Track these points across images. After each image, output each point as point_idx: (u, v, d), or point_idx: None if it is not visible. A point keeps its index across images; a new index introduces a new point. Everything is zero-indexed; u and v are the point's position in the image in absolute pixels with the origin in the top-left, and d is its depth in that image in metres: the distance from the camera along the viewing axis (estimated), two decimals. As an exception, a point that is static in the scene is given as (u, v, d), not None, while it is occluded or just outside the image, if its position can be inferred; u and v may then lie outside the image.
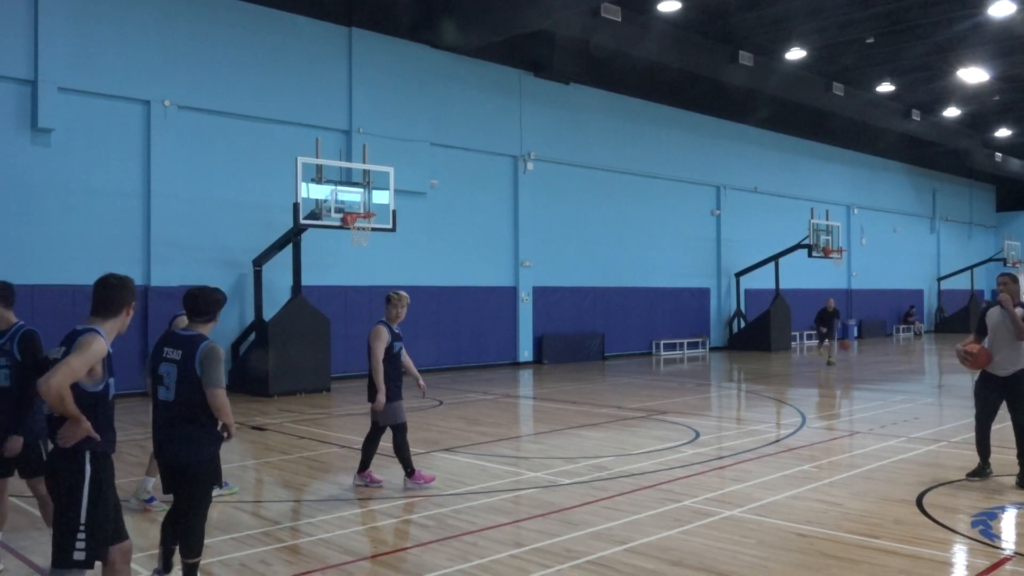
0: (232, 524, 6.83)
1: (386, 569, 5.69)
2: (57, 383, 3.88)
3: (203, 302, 5.10)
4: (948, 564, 5.83)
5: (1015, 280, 8.23)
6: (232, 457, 10.25)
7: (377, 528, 6.68)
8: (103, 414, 4.18)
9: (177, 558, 5.19)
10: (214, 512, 7.24)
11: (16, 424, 5.57)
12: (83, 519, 4.05)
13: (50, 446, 4.24)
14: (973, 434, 8.54)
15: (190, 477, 4.96)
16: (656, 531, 6.51)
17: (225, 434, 5.08)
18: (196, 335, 5.02)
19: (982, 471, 8.24)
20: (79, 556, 4.03)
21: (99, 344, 4.09)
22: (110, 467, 4.23)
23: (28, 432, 5.59)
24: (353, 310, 18.80)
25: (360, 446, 8.49)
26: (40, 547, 6.24)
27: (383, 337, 7.86)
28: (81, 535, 4.04)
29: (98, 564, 4.23)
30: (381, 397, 7.80)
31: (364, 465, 8.22)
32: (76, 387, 4.00)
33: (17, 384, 5.57)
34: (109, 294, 4.29)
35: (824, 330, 22.00)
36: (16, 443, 5.55)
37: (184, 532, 5.06)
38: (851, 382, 18.02)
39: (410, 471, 8.07)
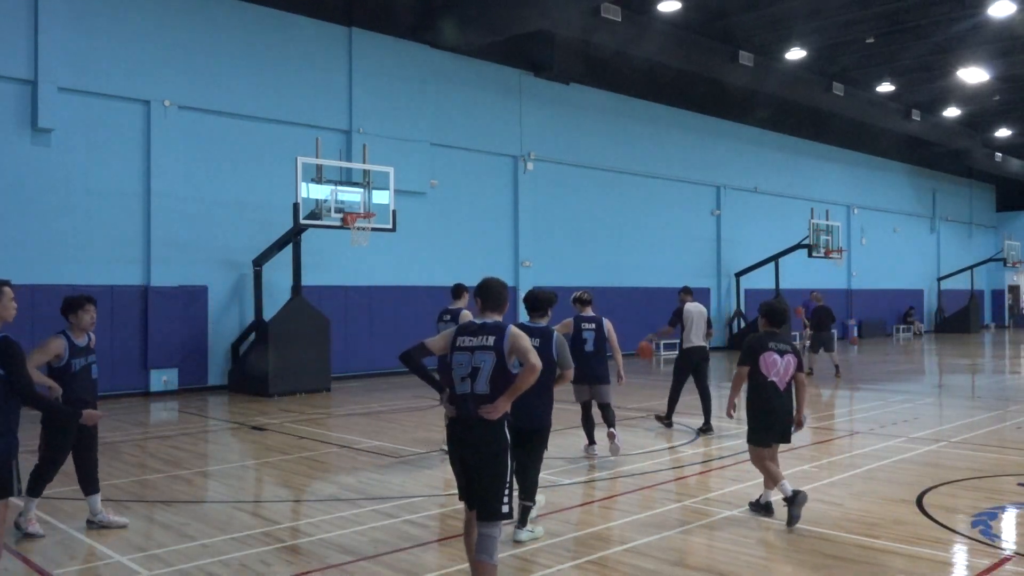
0: (232, 524, 6.82)
1: (386, 569, 5.69)
2: (538, 364, 4.79)
3: (540, 301, 6.71)
4: (948, 564, 5.84)
5: (688, 292, 12.19)
6: (232, 457, 10.26)
7: (377, 528, 6.68)
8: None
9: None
10: (213, 512, 7.25)
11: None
12: (508, 478, 4.79)
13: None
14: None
15: (534, 439, 6.26)
16: (656, 531, 6.51)
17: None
18: (547, 327, 6.45)
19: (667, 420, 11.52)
20: (506, 509, 4.76)
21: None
22: None
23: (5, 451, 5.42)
24: (353, 310, 18.80)
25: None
26: (40, 546, 6.25)
27: None
28: (507, 492, 4.75)
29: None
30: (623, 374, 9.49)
31: (592, 439, 9.60)
32: (507, 369, 4.79)
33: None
34: (501, 293, 5.09)
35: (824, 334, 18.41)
36: (93, 415, 6.03)
37: (525, 480, 6.29)
38: (851, 382, 18.01)
39: (604, 435, 9.35)
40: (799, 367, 6.99)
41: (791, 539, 6.29)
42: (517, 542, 6.19)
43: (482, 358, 4.81)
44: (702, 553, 5.98)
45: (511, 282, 22.14)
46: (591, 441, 9.54)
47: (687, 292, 12.22)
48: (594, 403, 9.39)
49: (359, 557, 5.94)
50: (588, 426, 9.54)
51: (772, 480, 6.75)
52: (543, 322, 6.62)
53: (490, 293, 5.06)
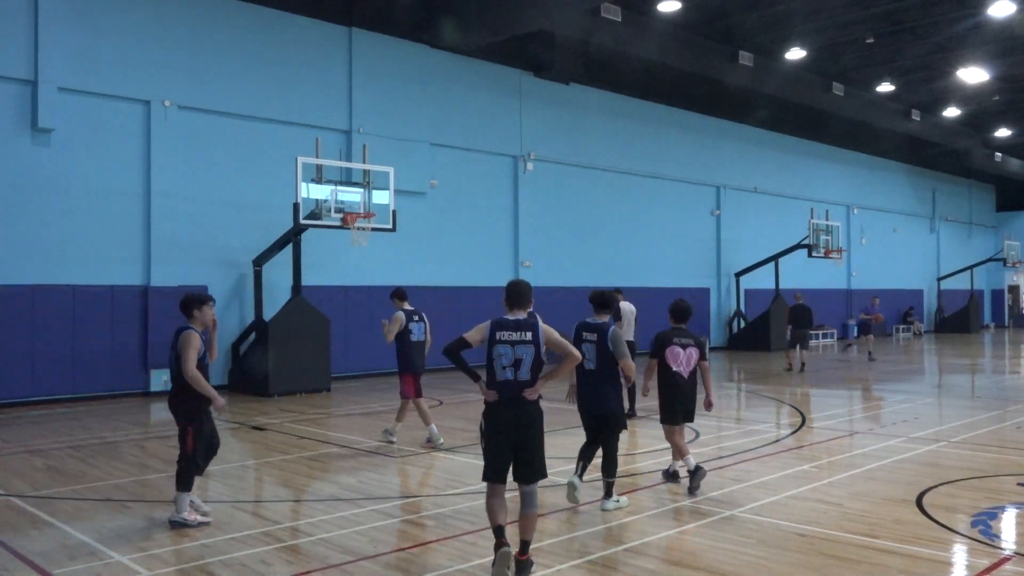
0: (232, 524, 6.82)
1: (386, 569, 5.69)
2: (577, 354, 5.77)
3: (605, 299, 7.41)
4: (948, 564, 5.84)
5: (618, 291, 12.86)
6: (232, 457, 10.26)
7: (377, 528, 6.68)
8: None
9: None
10: (214, 512, 7.26)
11: None
12: (545, 444, 5.76)
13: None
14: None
15: (609, 423, 7.22)
16: (656, 531, 6.51)
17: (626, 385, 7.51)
18: (605, 323, 7.17)
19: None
20: (548, 470, 5.74)
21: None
22: None
23: None
24: (353, 310, 18.79)
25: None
26: (40, 546, 6.25)
27: None
28: (544, 454, 5.67)
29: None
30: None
31: None
32: (542, 358, 5.63)
33: None
34: (526, 293, 5.83)
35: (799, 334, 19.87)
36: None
37: (605, 459, 7.29)
38: (851, 382, 18.02)
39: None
40: (702, 357, 8.06)
41: (791, 539, 6.29)
42: (604, 511, 7.11)
43: (523, 351, 5.59)
44: (702, 553, 5.98)
45: (511, 282, 22.14)
46: None
47: (618, 292, 13.27)
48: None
49: (359, 557, 5.94)
50: None
51: (680, 454, 7.97)
52: (605, 318, 7.33)
53: (519, 294, 5.80)
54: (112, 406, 14.58)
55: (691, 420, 8.03)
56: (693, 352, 7.97)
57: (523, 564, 5.55)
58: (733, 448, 10.02)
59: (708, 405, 8.12)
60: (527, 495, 5.62)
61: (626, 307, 13.07)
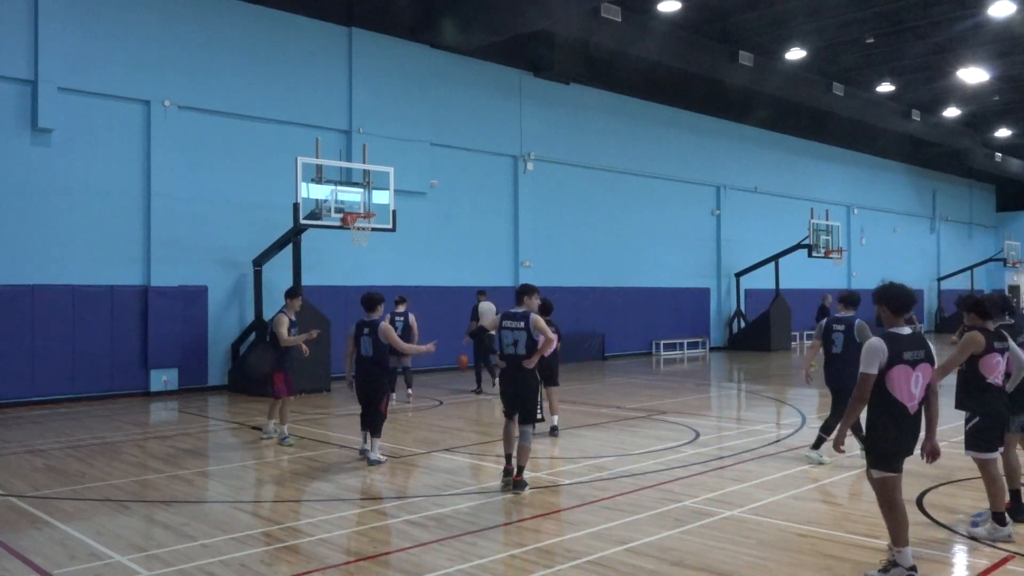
0: (232, 524, 6.82)
1: (386, 569, 5.69)
2: (552, 337, 8.05)
3: (853, 298, 8.99)
4: (948, 564, 5.84)
5: (482, 293, 17.01)
6: (232, 457, 10.26)
7: (377, 528, 6.68)
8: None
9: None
10: (214, 512, 7.25)
11: None
12: (538, 400, 8.35)
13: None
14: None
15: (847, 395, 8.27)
16: (656, 531, 6.51)
17: None
18: (852, 316, 8.87)
19: None
20: (537, 416, 8.21)
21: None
22: None
23: None
24: (353, 310, 18.68)
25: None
26: (39, 547, 6.25)
27: None
28: (538, 407, 8.35)
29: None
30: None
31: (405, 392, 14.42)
32: (533, 339, 7.89)
33: None
34: (524, 292, 8.12)
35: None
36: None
37: (831, 418, 8.84)
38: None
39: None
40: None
41: (791, 539, 6.29)
42: (808, 457, 8.92)
43: (519, 335, 7.88)
44: (702, 553, 5.98)
45: (511, 282, 22.16)
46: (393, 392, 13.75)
47: (481, 293, 16.57)
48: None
49: (359, 557, 5.94)
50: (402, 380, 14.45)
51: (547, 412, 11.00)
52: (851, 312, 8.94)
53: (518, 293, 8.15)
54: (112, 406, 14.57)
55: (554, 384, 10.94)
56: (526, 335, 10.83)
57: (518, 483, 7.68)
58: (733, 448, 10.02)
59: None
60: (523, 432, 7.85)
61: (486, 306, 15.54)
